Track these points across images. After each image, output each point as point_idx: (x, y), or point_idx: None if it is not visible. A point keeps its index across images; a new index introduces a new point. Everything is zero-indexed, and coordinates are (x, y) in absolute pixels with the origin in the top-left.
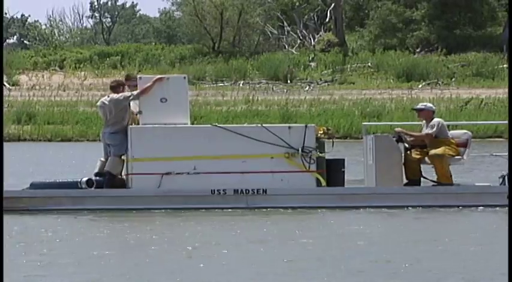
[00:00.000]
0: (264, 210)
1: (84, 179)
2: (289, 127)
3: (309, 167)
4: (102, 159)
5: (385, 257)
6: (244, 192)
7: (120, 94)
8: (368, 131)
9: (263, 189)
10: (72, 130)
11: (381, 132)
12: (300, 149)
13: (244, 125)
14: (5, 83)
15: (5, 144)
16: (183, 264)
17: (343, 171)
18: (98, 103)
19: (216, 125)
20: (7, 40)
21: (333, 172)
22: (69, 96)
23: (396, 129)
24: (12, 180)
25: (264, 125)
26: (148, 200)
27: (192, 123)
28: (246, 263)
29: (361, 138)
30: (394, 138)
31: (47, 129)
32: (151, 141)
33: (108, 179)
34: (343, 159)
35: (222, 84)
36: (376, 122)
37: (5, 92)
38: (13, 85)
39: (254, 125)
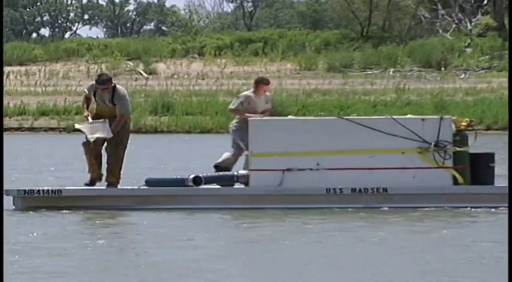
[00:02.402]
0: (386, 209)
1: (191, 176)
2: (423, 119)
3: (443, 163)
4: (229, 153)
5: None
6: (362, 191)
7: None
8: None
9: (383, 188)
10: (212, 121)
11: None
12: (433, 143)
13: (373, 117)
14: (141, 72)
15: (142, 137)
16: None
17: (493, 167)
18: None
19: (341, 117)
20: (144, 26)
21: (479, 168)
22: (209, 85)
23: None
24: (147, 174)
25: (394, 117)
26: (263, 199)
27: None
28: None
29: None
30: None
31: (185, 121)
32: (271, 134)
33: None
34: (493, 154)
35: (370, 72)
36: None
37: (142, 81)
38: (150, 74)
39: (384, 116)
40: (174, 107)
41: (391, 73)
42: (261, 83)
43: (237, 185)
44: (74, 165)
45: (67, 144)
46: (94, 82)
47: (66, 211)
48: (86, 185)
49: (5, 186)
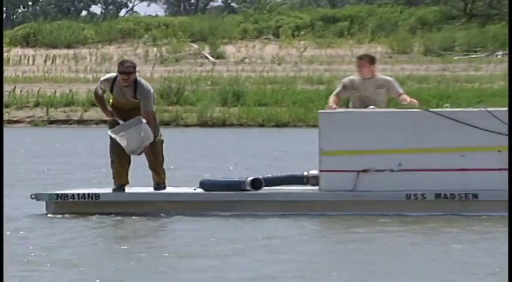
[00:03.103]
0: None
1: (250, 179)
2: None
3: None
4: None
5: None
6: (448, 196)
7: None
8: None
9: (473, 194)
10: (288, 113)
11: None
12: None
13: (465, 109)
14: (207, 55)
15: (208, 130)
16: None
17: None
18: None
19: (427, 109)
20: (210, 2)
21: None
22: (285, 72)
23: None
24: (212, 174)
25: (489, 109)
26: (333, 205)
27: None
28: None
29: None
30: None
31: (258, 112)
32: (344, 129)
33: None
34: None
35: (474, 56)
36: None
37: (208, 66)
38: (218, 58)
39: (477, 109)
40: (245, 97)
41: (499, 57)
42: (362, 60)
43: (306, 187)
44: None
45: None
46: (109, 76)
47: (100, 217)
48: (114, 190)
49: (44, 189)
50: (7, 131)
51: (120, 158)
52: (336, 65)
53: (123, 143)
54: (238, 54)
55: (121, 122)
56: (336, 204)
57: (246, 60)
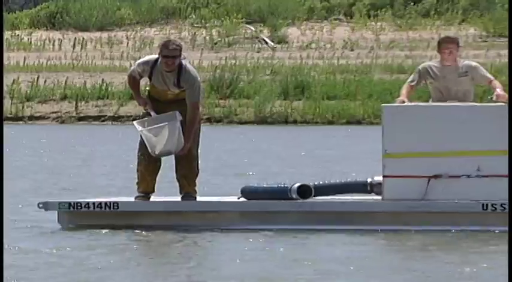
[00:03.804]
0: None
1: (296, 185)
2: None
3: None
4: None
5: None
6: None
7: None
8: None
9: None
10: (363, 108)
11: None
12: None
13: None
14: (266, 39)
15: (267, 128)
16: None
17: None
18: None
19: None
20: None
21: None
22: (359, 58)
23: None
24: (271, 179)
25: None
26: (400, 218)
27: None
28: None
29: None
30: None
31: (326, 107)
32: (412, 127)
33: None
34: None
35: None
36: None
37: (267, 52)
38: (278, 42)
39: None
40: (310, 89)
41: None
42: (445, 43)
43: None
44: None
45: None
46: (149, 58)
47: (113, 232)
48: (137, 198)
49: (66, 197)
50: (29, 128)
51: (147, 160)
52: (419, 50)
53: (148, 140)
54: (303, 38)
55: (153, 114)
56: (402, 216)
57: (313, 45)
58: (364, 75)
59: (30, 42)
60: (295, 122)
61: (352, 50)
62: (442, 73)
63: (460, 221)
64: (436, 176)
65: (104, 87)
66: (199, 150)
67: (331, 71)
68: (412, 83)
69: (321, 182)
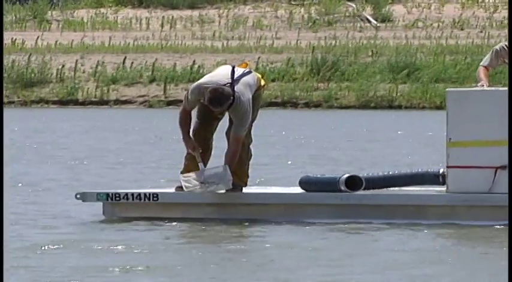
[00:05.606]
0: None
1: (345, 177)
2: None
3: None
4: None
5: None
6: None
7: None
8: None
9: None
10: None
11: None
12: None
13: None
14: (369, 18)
15: (370, 113)
16: None
17: None
18: None
19: None
20: None
21: None
22: (470, 38)
23: None
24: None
25: None
26: (463, 212)
27: None
28: None
29: None
30: None
31: (435, 91)
32: (478, 113)
33: None
34: None
35: None
36: None
37: (370, 32)
38: (382, 21)
39: None
40: (417, 71)
41: None
42: None
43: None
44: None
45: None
46: (203, 85)
47: (153, 223)
48: (178, 188)
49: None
50: (114, 112)
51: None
52: None
53: (188, 184)
54: (409, 16)
55: (201, 166)
56: (467, 209)
57: (419, 24)
58: (476, 57)
59: (116, 21)
60: (400, 107)
61: (462, 29)
62: None
63: None
64: (503, 167)
65: (194, 69)
66: (252, 139)
67: (440, 52)
68: (488, 65)
69: (384, 173)
